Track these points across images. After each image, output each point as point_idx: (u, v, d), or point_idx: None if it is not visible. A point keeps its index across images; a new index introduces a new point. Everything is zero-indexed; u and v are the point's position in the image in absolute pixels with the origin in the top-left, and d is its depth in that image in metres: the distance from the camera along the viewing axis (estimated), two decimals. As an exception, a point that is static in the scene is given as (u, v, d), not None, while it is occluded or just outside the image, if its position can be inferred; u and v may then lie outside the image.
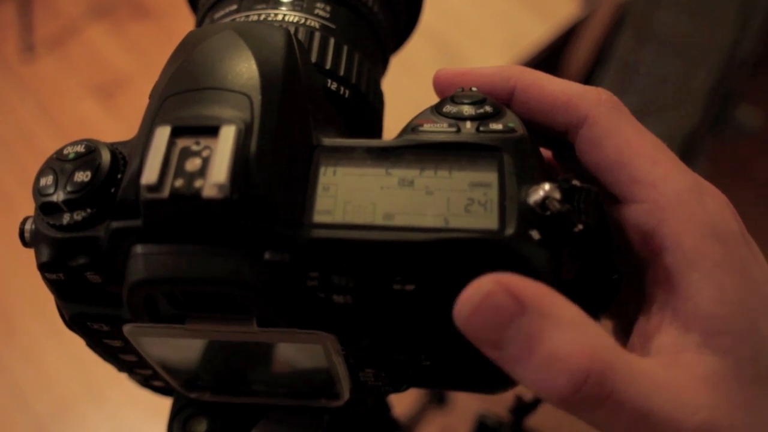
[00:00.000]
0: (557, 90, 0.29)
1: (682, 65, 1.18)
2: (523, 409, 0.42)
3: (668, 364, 0.25)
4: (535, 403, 0.41)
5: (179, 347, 0.30)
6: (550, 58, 1.20)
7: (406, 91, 1.14)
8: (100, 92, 1.86)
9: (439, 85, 0.32)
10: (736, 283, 0.25)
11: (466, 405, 1.29)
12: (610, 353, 0.23)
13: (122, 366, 0.33)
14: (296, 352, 0.29)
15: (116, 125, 1.80)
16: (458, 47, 1.15)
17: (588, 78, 1.23)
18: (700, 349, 0.25)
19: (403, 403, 1.31)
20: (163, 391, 0.37)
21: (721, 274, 0.25)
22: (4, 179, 1.75)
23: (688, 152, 1.37)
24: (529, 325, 0.23)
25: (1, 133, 1.83)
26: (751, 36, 1.22)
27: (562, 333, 0.23)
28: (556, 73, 0.99)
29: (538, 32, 1.16)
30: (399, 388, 0.32)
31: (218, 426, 0.35)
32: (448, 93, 0.29)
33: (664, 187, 0.26)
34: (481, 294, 0.23)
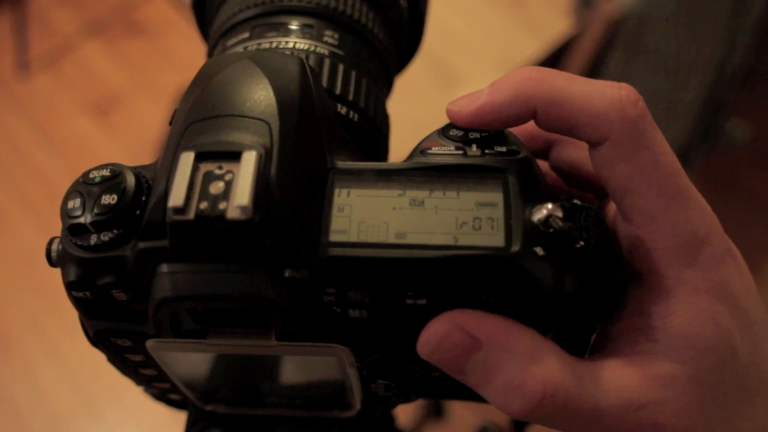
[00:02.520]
0: (577, 109, 0.28)
1: (673, 80, 1.20)
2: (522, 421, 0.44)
3: (624, 364, 0.27)
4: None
5: (197, 362, 0.31)
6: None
7: (400, 108, 1.15)
8: (94, 110, 1.87)
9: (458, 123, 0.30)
10: (712, 305, 0.27)
11: (464, 418, 1.31)
12: (562, 372, 0.26)
13: (141, 380, 0.34)
14: (310, 364, 0.31)
15: (111, 142, 1.81)
16: (452, 64, 1.17)
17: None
18: (659, 355, 0.27)
19: (400, 416, 1.32)
20: (178, 404, 0.39)
21: (698, 299, 0.27)
22: (-1, 196, 1.76)
23: (679, 165, 1.39)
24: (486, 358, 0.26)
25: (-4, 151, 1.84)
26: (741, 50, 1.24)
27: (517, 363, 0.26)
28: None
29: (531, 49, 1.17)
30: (408, 399, 0.33)
31: (232, 438, 0.36)
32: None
33: (662, 221, 0.27)
34: (438, 336, 0.26)
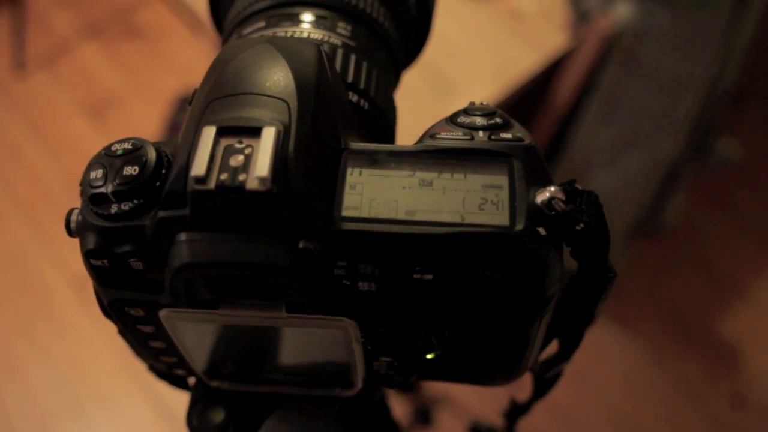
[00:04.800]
0: None
1: (665, 97, 1.22)
2: (516, 410, 0.45)
3: None
4: (528, 404, 0.43)
5: (207, 335, 0.32)
6: (537, 87, 1.24)
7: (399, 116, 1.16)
8: (90, 111, 1.87)
9: None
10: None
11: (451, 425, 1.31)
12: None
13: (149, 353, 0.35)
14: (316, 339, 0.32)
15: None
16: (449, 75, 1.19)
17: (574, 109, 1.26)
18: None
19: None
20: (182, 383, 0.40)
21: None
22: (-9, 193, 1.76)
23: (669, 182, 1.41)
24: None
25: (-11, 148, 1.84)
26: (733, 69, 1.26)
27: None
28: (543, 102, 1.02)
29: (528, 62, 1.19)
30: (408, 379, 0.34)
31: (234, 416, 0.37)
32: None
33: None
34: None
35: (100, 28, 2.03)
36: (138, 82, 1.93)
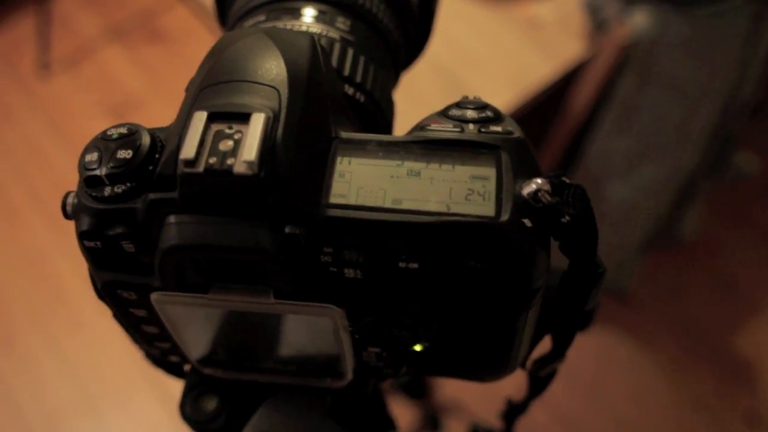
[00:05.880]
0: None
1: (682, 108, 1.21)
2: (513, 410, 0.45)
3: None
4: (525, 404, 0.43)
5: (198, 320, 0.32)
6: (553, 96, 1.24)
7: (410, 120, 1.16)
8: (111, 112, 1.89)
9: None
10: None
11: (460, 430, 1.31)
12: None
13: (143, 338, 0.35)
14: (306, 328, 0.32)
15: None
16: (465, 81, 1.19)
17: (590, 118, 1.26)
18: None
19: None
20: (177, 370, 0.40)
21: None
22: (11, 192, 1.78)
23: (686, 194, 1.40)
24: None
25: (12, 147, 1.86)
26: (751, 81, 1.25)
27: None
28: (559, 111, 1.02)
29: (544, 70, 1.19)
30: (398, 371, 0.34)
31: (227, 404, 0.38)
32: None
33: None
34: None
35: (124, 31, 2.05)
36: (159, 85, 1.95)
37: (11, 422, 1.46)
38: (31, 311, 1.58)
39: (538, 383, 0.40)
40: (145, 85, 1.95)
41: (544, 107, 1.24)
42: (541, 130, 1.35)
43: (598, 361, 1.51)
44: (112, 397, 1.46)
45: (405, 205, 0.28)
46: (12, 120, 1.92)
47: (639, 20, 1.13)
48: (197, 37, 1.99)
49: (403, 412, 1.32)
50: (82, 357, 1.50)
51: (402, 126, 0.40)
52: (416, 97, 1.21)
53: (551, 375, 0.40)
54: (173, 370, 0.40)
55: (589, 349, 1.47)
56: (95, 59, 2.01)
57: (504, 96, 1.16)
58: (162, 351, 0.36)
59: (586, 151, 1.28)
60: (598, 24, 1.19)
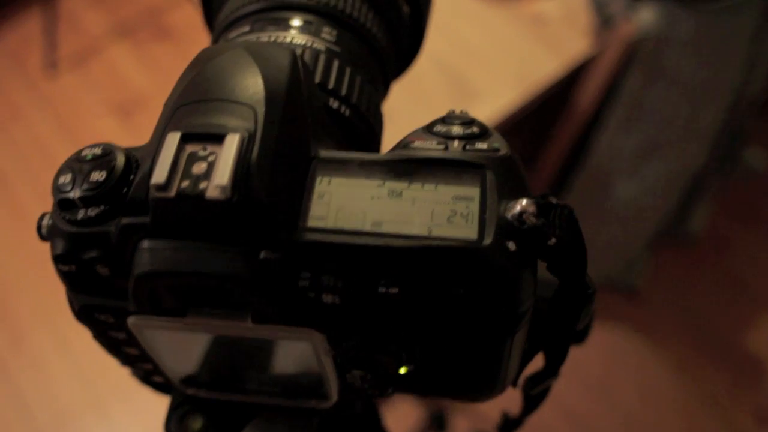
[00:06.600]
0: None
1: (690, 104, 1.20)
2: (509, 425, 0.44)
3: None
4: (520, 419, 0.42)
5: (178, 344, 0.32)
6: (559, 93, 1.22)
7: (416, 120, 1.15)
8: (118, 110, 1.89)
9: None
10: None
11: (466, 431, 1.30)
12: None
13: (125, 359, 0.34)
14: (288, 352, 0.31)
15: (133, 143, 1.79)
16: (470, 79, 1.18)
17: (596, 115, 1.25)
18: None
19: (401, 427, 1.32)
20: (163, 388, 0.39)
21: None
22: (19, 190, 1.78)
23: (694, 191, 1.39)
24: None
25: (20, 146, 1.87)
26: (760, 77, 1.24)
27: None
28: (565, 108, 1.01)
29: (550, 67, 1.18)
30: (384, 393, 0.33)
31: (213, 423, 0.37)
32: None
33: None
34: None
35: (130, 28, 2.05)
36: (166, 83, 1.92)
37: (19, 418, 1.46)
38: (38, 308, 1.58)
39: (532, 400, 0.39)
40: (153, 83, 1.95)
41: (550, 104, 1.23)
42: (547, 127, 1.34)
43: (606, 358, 1.50)
44: (119, 393, 1.46)
45: (385, 228, 0.27)
46: (19, 118, 1.92)
47: (645, 16, 1.12)
48: (204, 35, 1.97)
49: (409, 411, 1.31)
50: (90, 354, 1.49)
51: (405, 125, 0.39)
52: (421, 95, 1.21)
53: (545, 392, 0.39)
54: (159, 387, 0.40)
55: (597, 347, 1.46)
56: (102, 57, 2.01)
57: (509, 94, 1.15)
58: (145, 371, 0.36)
59: (592, 148, 1.26)
60: (604, 20, 1.18)
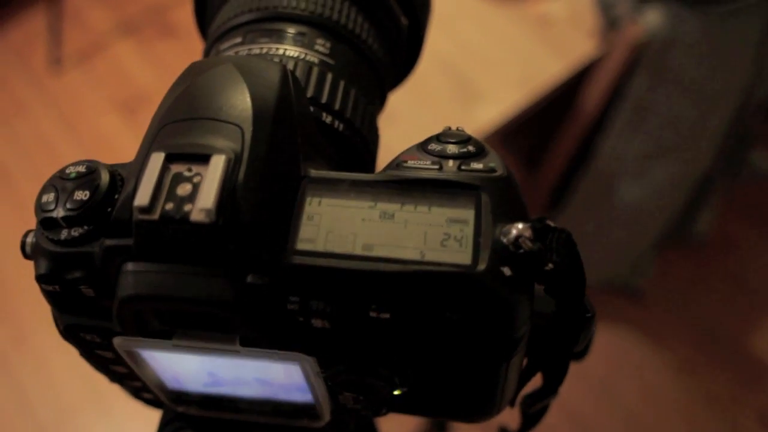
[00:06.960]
0: None
1: (696, 107, 1.18)
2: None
3: None
4: (518, 434, 0.42)
5: (165, 363, 0.31)
6: (565, 95, 1.21)
7: (419, 122, 1.15)
8: (123, 108, 1.89)
9: None
10: None
11: (467, 434, 1.29)
12: None
13: (114, 377, 0.34)
14: (277, 372, 0.31)
15: (136, 140, 1.79)
16: (475, 81, 1.17)
17: (601, 117, 1.24)
18: None
19: (402, 429, 1.31)
20: (153, 403, 0.39)
21: None
22: (22, 187, 1.78)
23: (701, 193, 1.37)
24: None
25: (23, 142, 1.86)
26: (767, 80, 1.22)
27: None
28: (570, 110, 1.00)
29: (555, 69, 1.17)
30: (378, 412, 0.33)
31: (204, 441, 0.36)
32: None
33: None
34: None
35: (135, 26, 2.04)
36: (171, 80, 1.92)
37: (21, 415, 1.46)
38: (40, 305, 1.56)
39: (530, 418, 0.38)
40: (157, 80, 1.94)
41: (555, 107, 1.22)
42: (552, 129, 1.33)
43: (609, 360, 1.49)
44: (120, 390, 1.46)
45: (376, 252, 0.26)
46: (23, 115, 1.91)
47: (652, 18, 1.10)
48: (209, 32, 1.98)
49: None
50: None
51: (409, 126, 0.38)
52: (425, 96, 1.20)
53: (544, 409, 0.38)
54: (151, 403, 0.39)
55: (601, 348, 1.45)
56: (107, 54, 2.00)
57: (514, 95, 1.14)
58: (134, 388, 0.35)
59: (597, 150, 1.25)
60: (610, 22, 1.17)
